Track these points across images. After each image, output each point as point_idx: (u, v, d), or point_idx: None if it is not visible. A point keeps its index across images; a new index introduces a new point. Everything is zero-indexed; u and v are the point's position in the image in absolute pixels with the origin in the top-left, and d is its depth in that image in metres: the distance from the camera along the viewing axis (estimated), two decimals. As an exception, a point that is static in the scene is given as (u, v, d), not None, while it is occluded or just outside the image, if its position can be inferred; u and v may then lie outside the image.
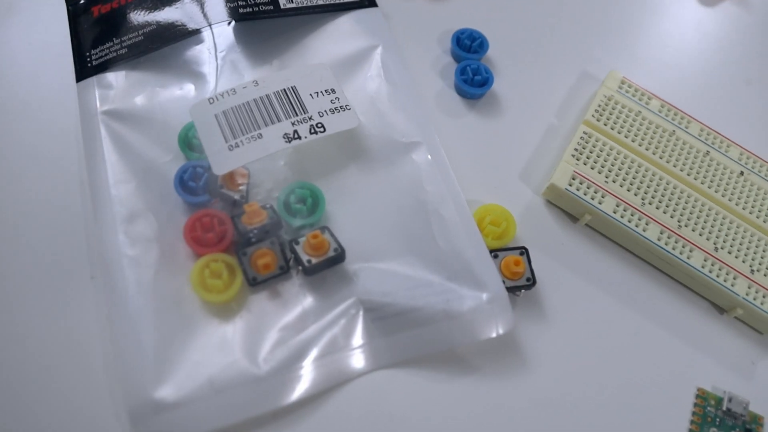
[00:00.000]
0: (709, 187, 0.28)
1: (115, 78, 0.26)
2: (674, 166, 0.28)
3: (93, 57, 0.26)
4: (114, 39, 0.26)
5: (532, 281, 0.24)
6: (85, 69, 0.26)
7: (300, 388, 0.22)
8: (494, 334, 0.23)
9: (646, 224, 0.26)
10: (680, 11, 0.35)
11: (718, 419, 0.25)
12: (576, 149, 0.27)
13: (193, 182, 0.24)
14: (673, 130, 0.29)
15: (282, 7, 0.28)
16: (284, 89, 0.25)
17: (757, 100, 0.33)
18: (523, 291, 0.24)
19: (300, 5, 0.28)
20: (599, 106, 0.28)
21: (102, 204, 0.24)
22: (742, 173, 0.29)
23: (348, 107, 0.25)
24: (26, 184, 0.25)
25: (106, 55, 0.26)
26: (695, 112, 0.30)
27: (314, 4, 0.28)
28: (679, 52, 0.34)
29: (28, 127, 0.26)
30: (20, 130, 0.26)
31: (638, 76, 0.31)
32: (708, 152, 0.29)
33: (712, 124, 0.30)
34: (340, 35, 0.28)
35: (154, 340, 0.22)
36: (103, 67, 0.26)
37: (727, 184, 0.28)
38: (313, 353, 0.22)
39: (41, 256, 0.23)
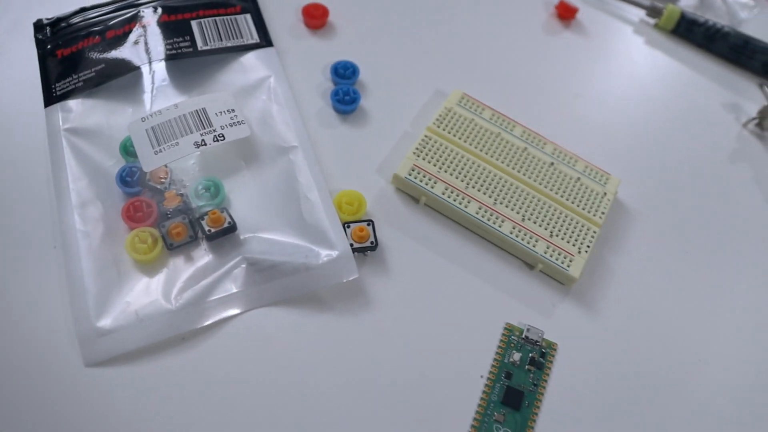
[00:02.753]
0: (523, 175, 0.37)
1: (74, 104, 0.34)
2: (496, 159, 0.37)
3: (57, 88, 0.35)
4: (73, 75, 0.35)
5: (375, 244, 0.33)
6: (51, 97, 0.35)
7: (201, 319, 0.30)
8: (342, 281, 0.32)
9: (468, 202, 0.35)
10: (526, 41, 0.45)
11: (519, 345, 0.34)
12: (417, 148, 0.36)
13: (129, 178, 0.33)
14: (499, 132, 0.38)
15: (199, 48, 0.37)
16: (196, 110, 0.34)
17: (581, 109, 0.42)
18: (368, 252, 0.33)
19: (213, 47, 0.37)
20: (440, 116, 0.37)
21: (62, 195, 0.32)
22: (552, 164, 0.38)
23: (243, 122, 0.34)
24: (5, 182, 0.33)
25: (67, 87, 0.35)
26: (527, 120, 0.39)
27: (224, 46, 0.37)
28: (522, 73, 0.43)
29: (7, 140, 0.34)
30: (1, 143, 0.35)
31: (483, 92, 0.40)
32: (526, 148, 0.38)
33: (538, 129, 0.39)
34: (243, 69, 0.37)
35: (98, 288, 0.30)
36: (65, 96, 0.35)
37: (539, 172, 0.37)
38: (210, 294, 0.31)
39: (18, 231, 0.32)
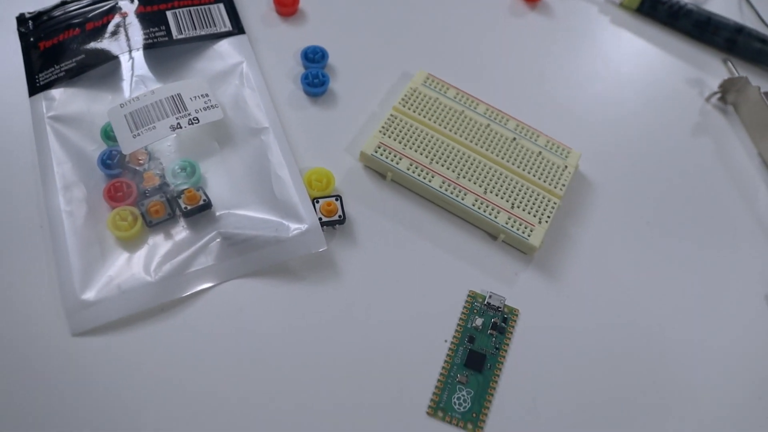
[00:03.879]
0: (486, 150, 0.39)
1: (57, 93, 0.36)
2: (460, 136, 0.39)
3: (41, 79, 0.37)
4: (55, 65, 0.37)
5: (342, 218, 0.35)
6: (35, 87, 0.37)
7: (179, 291, 0.32)
8: (311, 252, 0.34)
9: (432, 177, 0.37)
10: (492, 23, 0.46)
11: (482, 311, 0.36)
12: (384, 127, 0.38)
13: (110, 161, 0.35)
14: (462, 110, 0.40)
15: (174, 38, 0.39)
16: (172, 95, 0.36)
17: (547, 88, 0.44)
18: (337, 226, 0.35)
19: (187, 36, 0.39)
20: (405, 96, 0.39)
21: (48, 178, 0.34)
22: (514, 139, 0.39)
23: (216, 106, 0.36)
24: None
25: (49, 77, 0.37)
26: (492, 98, 0.41)
27: (198, 34, 0.39)
28: (488, 54, 0.45)
29: None
30: None
31: (449, 73, 0.42)
32: (488, 125, 0.39)
33: (503, 107, 0.41)
34: (217, 56, 0.39)
35: (82, 264, 0.32)
36: (48, 86, 0.37)
37: (501, 147, 0.39)
38: (188, 268, 0.33)
39: (6, 213, 0.34)
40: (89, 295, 0.32)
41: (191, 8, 0.40)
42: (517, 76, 0.44)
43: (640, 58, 0.48)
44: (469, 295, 0.35)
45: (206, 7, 0.40)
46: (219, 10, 0.40)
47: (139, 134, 0.35)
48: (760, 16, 0.52)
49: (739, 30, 0.48)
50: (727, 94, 0.46)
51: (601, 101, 0.44)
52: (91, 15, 0.39)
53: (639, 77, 0.46)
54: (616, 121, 0.44)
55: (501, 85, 0.43)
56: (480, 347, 0.34)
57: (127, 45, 0.38)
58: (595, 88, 0.45)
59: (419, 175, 0.37)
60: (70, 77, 0.37)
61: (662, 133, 0.44)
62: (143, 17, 0.39)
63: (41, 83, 0.37)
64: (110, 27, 0.39)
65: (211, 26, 0.40)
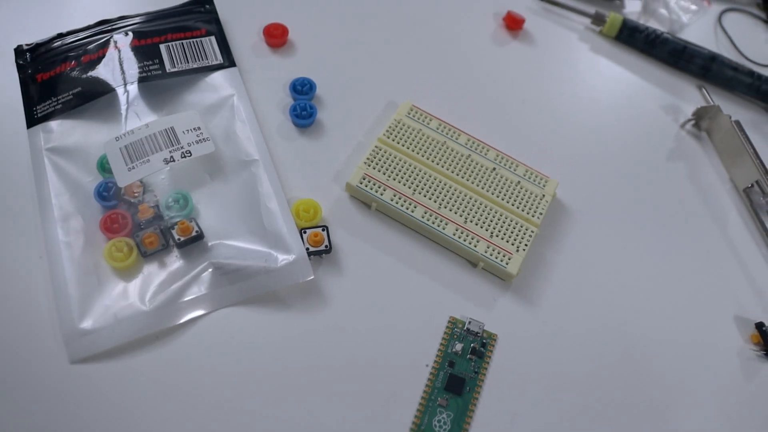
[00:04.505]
0: (466, 180, 0.40)
1: (54, 125, 0.38)
2: (441, 167, 0.40)
3: (38, 111, 0.38)
4: (53, 98, 0.39)
5: (329, 248, 0.37)
6: (33, 119, 0.38)
7: (173, 319, 0.34)
8: (299, 281, 0.35)
9: (414, 207, 0.39)
10: (476, 52, 0.48)
11: (462, 336, 0.37)
12: (368, 158, 0.40)
13: (106, 192, 0.36)
14: (445, 141, 0.41)
15: (167, 71, 0.40)
16: (165, 129, 0.38)
17: (528, 115, 0.46)
18: (324, 255, 0.37)
19: (180, 69, 0.40)
20: (390, 127, 0.41)
21: (46, 209, 0.35)
22: (494, 169, 0.41)
23: (208, 139, 0.38)
24: None
25: (47, 109, 0.38)
26: (475, 127, 0.43)
27: (190, 67, 0.41)
28: (471, 82, 0.46)
29: None
30: None
31: (433, 102, 0.43)
32: (469, 155, 0.41)
33: (485, 136, 0.43)
34: (209, 88, 0.40)
35: (80, 293, 0.34)
36: (46, 118, 0.38)
37: (482, 177, 0.41)
38: (181, 296, 0.34)
39: (6, 243, 0.35)
40: (87, 323, 0.33)
41: (184, 41, 0.41)
42: (499, 103, 0.46)
43: (617, 85, 0.49)
44: (449, 321, 0.37)
45: (198, 40, 0.42)
46: (210, 43, 0.42)
47: (134, 167, 0.36)
48: (734, 44, 0.54)
49: (713, 58, 0.50)
50: (701, 120, 0.48)
51: (579, 127, 0.46)
52: (87, 47, 0.40)
53: (616, 103, 0.48)
54: (593, 146, 0.46)
55: (483, 113, 0.45)
56: (459, 371, 0.36)
57: (122, 77, 0.40)
58: (573, 114, 0.47)
59: (402, 206, 0.38)
60: (68, 109, 0.38)
61: (638, 159, 0.46)
62: (138, 50, 0.40)
63: (39, 115, 0.38)
64: (106, 60, 0.40)
65: (203, 59, 0.41)
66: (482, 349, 0.37)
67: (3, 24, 0.43)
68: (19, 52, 0.41)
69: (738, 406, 0.37)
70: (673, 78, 0.51)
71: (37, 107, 0.39)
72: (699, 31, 0.54)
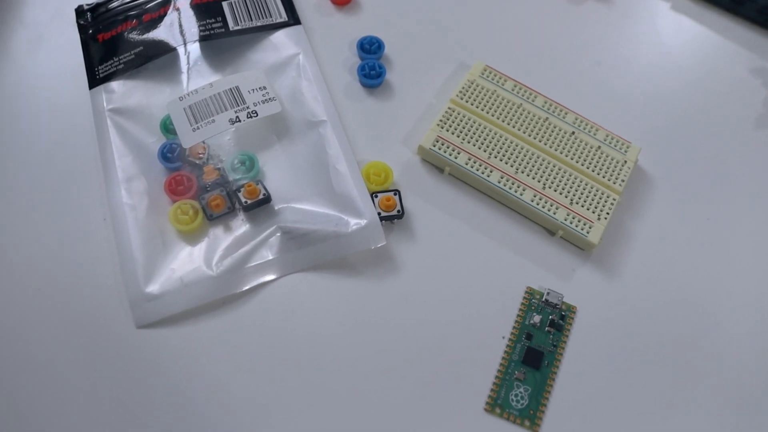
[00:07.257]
0: (544, 144, 0.38)
1: (116, 85, 0.37)
2: (518, 130, 0.38)
3: (100, 71, 0.38)
4: (114, 58, 0.38)
5: (401, 213, 0.35)
6: (94, 80, 0.37)
7: (240, 284, 0.33)
8: (370, 247, 0.34)
9: (490, 172, 0.36)
10: (549, 11, 0.45)
11: (539, 308, 0.35)
12: (441, 120, 0.37)
13: (170, 154, 0.35)
14: (521, 103, 0.39)
15: (231, 29, 0.39)
16: (230, 88, 0.36)
17: (604, 78, 0.43)
18: (396, 220, 0.35)
19: (243, 27, 0.39)
20: (463, 88, 0.39)
21: (110, 171, 0.35)
22: (573, 133, 0.39)
23: (274, 99, 0.36)
24: (57, 161, 0.36)
25: (109, 69, 0.37)
26: (549, 89, 0.40)
27: (254, 25, 0.39)
28: (545, 42, 0.44)
29: (57, 121, 0.37)
30: (52, 123, 0.37)
31: (506, 63, 0.41)
32: (547, 118, 0.39)
33: (561, 98, 0.40)
34: (273, 47, 0.39)
35: (145, 257, 0.33)
36: (108, 78, 0.37)
37: (560, 142, 0.38)
38: (248, 261, 0.33)
39: (70, 206, 0.35)
40: (153, 288, 0.32)
41: (247, -1, 0.40)
42: (574, 66, 0.43)
43: (701, 47, 0.46)
44: (526, 292, 0.35)
45: (261, -4, 0.40)
46: (274, 1, 0.40)
47: (198, 128, 0.35)
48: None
49: (808, 16, 0.46)
50: (793, 84, 0.44)
51: (659, 92, 0.43)
52: (147, 6, 0.39)
53: (699, 67, 0.45)
54: (675, 112, 0.43)
55: (558, 76, 0.42)
56: (538, 344, 0.34)
57: (183, 37, 0.38)
58: (653, 78, 0.44)
59: (478, 170, 0.36)
60: (129, 69, 0.37)
61: (723, 125, 0.42)
62: (199, 8, 0.39)
63: (101, 75, 0.37)
64: (167, 19, 0.39)
65: (267, 17, 0.39)
66: (561, 321, 0.35)
67: (62, -16, 0.42)
68: (79, 12, 0.40)
69: None
70: (762, 38, 0.47)
71: (99, 68, 0.38)
72: (789, -12, 0.50)
